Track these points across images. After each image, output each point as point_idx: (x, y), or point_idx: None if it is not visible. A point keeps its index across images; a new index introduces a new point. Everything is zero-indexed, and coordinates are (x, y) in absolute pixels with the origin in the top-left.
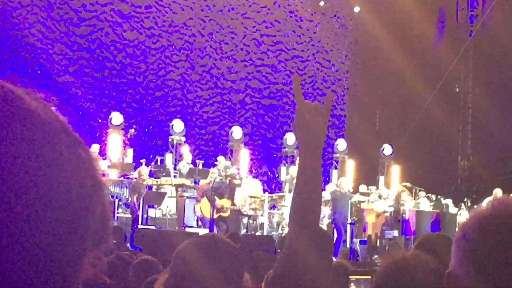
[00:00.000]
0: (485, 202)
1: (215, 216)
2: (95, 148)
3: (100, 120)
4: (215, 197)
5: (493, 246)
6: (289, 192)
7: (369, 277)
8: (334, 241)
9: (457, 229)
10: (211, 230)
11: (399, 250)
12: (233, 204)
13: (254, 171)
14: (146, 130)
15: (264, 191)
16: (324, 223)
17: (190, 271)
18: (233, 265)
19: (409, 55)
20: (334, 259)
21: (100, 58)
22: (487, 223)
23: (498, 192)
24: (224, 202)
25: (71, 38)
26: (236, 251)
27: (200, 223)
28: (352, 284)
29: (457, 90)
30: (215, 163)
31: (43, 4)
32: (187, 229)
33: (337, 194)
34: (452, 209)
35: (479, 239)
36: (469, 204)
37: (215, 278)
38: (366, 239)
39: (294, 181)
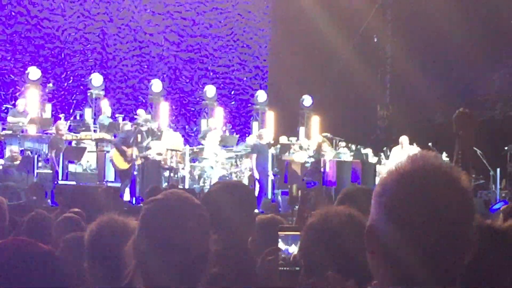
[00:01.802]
0: (394, 152)
1: (127, 166)
2: (21, 102)
3: (13, 77)
4: (123, 147)
5: (412, 201)
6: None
7: (298, 233)
8: (257, 194)
9: (377, 178)
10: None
11: (322, 201)
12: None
13: (173, 124)
14: (65, 84)
15: (185, 144)
16: (246, 176)
17: (158, 233)
18: (201, 224)
19: (328, 5)
20: (257, 211)
21: (13, 13)
22: (406, 178)
23: (404, 140)
24: (131, 151)
25: None
26: (202, 209)
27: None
28: (279, 240)
29: (376, 40)
30: (135, 116)
31: None
32: (109, 184)
33: (257, 146)
34: (372, 159)
35: (398, 195)
36: (389, 153)
37: (183, 239)
38: (287, 190)
39: (213, 132)
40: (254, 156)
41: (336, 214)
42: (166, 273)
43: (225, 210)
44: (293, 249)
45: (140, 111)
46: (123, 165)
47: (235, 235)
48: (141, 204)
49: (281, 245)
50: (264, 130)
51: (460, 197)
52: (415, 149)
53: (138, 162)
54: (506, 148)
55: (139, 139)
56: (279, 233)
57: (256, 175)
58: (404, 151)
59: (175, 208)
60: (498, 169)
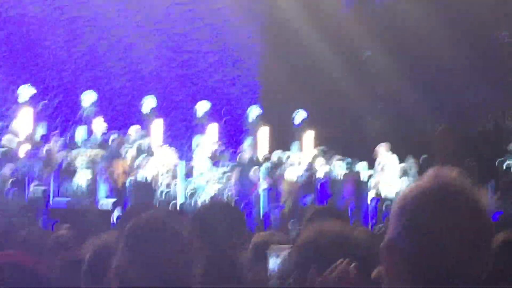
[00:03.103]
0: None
1: (121, 182)
2: (15, 123)
3: (5, 95)
4: (114, 163)
5: (433, 218)
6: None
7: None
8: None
9: (369, 192)
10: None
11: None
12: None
13: (167, 140)
14: (55, 103)
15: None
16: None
17: (140, 254)
18: (183, 246)
19: (319, 20)
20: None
21: (4, 32)
22: (427, 195)
23: (381, 148)
24: (124, 164)
25: None
26: (179, 231)
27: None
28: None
29: (367, 54)
30: (129, 134)
31: None
32: (101, 201)
33: (241, 162)
34: (367, 172)
35: (419, 211)
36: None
37: (167, 260)
38: (281, 205)
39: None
40: (238, 171)
41: (326, 231)
42: None
43: (214, 229)
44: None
45: (134, 128)
46: (117, 182)
47: (224, 253)
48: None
49: (274, 260)
50: (248, 145)
51: (479, 217)
52: (394, 157)
53: (125, 179)
54: (500, 159)
55: (126, 155)
56: (269, 250)
57: (237, 192)
58: (384, 159)
59: (156, 230)
60: (492, 181)
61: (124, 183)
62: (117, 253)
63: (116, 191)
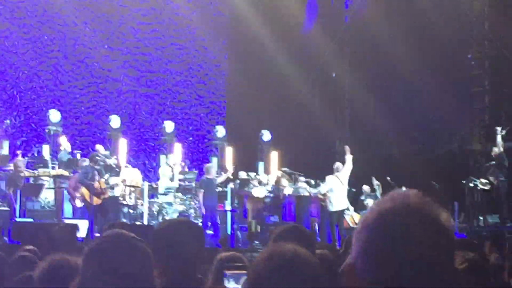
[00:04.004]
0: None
1: (99, 201)
2: None
3: None
4: (89, 182)
5: (392, 239)
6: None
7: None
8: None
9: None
10: (90, 217)
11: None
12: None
13: (132, 160)
14: (18, 121)
15: (143, 180)
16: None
17: (103, 271)
18: (143, 262)
19: (286, 41)
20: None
21: None
22: (386, 216)
23: (339, 166)
24: (100, 183)
25: None
26: (144, 245)
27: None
28: (227, 278)
29: (334, 75)
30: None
31: None
32: (66, 221)
33: (205, 181)
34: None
35: (378, 231)
36: (348, 187)
37: (129, 276)
38: (246, 225)
39: (166, 168)
40: (202, 191)
41: (281, 252)
42: None
43: (173, 246)
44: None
45: (99, 147)
46: (95, 200)
47: (183, 269)
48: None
49: (231, 283)
50: (210, 165)
51: (440, 234)
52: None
53: (100, 200)
54: (463, 181)
55: (100, 174)
56: (227, 271)
57: (203, 210)
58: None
59: (116, 247)
60: (456, 203)
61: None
62: (80, 271)
63: (84, 211)
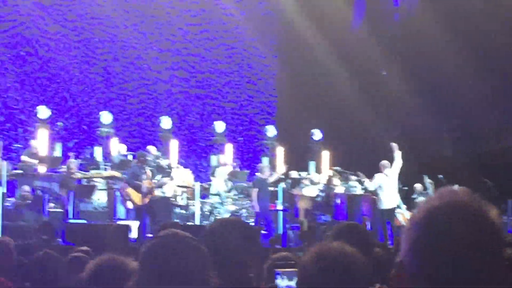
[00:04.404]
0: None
1: (146, 201)
2: (35, 144)
3: (23, 116)
4: (137, 182)
5: (439, 236)
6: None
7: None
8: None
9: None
10: (143, 218)
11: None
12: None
13: (183, 161)
14: (70, 123)
15: (195, 180)
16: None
17: (159, 272)
18: (199, 261)
19: (335, 40)
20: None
21: (23, 53)
22: (434, 213)
23: (385, 163)
24: (147, 183)
25: None
26: (200, 245)
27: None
28: (280, 276)
29: (384, 74)
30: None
31: None
32: (118, 222)
33: (259, 181)
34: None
35: (426, 229)
36: (399, 185)
37: (185, 276)
38: (298, 225)
39: (221, 169)
40: (256, 190)
41: (328, 251)
42: None
43: (226, 247)
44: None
45: (150, 148)
46: (141, 200)
47: (236, 270)
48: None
49: (284, 281)
50: (265, 164)
51: (488, 231)
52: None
53: (147, 200)
54: None
55: (150, 174)
56: (279, 269)
57: (257, 209)
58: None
59: (173, 247)
60: (510, 201)
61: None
62: (135, 272)
63: (142, 209)
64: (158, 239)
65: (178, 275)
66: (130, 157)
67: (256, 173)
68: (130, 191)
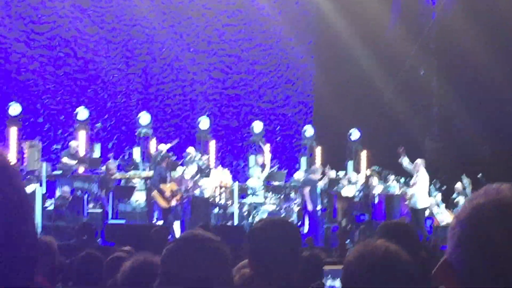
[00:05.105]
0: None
1: (174, 203)
2: (74, 144)
3: (62, 117)
4: (161, 187)
5: (485, 233)
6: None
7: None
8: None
9: (426, 210)
10: (163, 218)
11: (370, 236)
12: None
13: (220, 161)
14: (108, 124)
15: (233, 180)
16: (295, 211)
17: (180, 273)
18: (220, 261)
19: (372, 39)
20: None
21: (61, 54)
22: (479, 210)
23: (419, 161)
24: (172, 186)
25: (30, 35)
26: (221, 246)
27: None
28: (327, 274)
29: (422, 73)
30: (183, 155)
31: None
32: (158, 222)
33: (311, 180)
34: None
35: (472, 227)
36: (438, 185)
37: (205, 279)
38: (337, 224)
39: (260, 168)
40: (308, 188)
41: (372, 249)
42: None
43: (269, 247)
44: (339, 284)
45: (190, 149)
46: (164, 204)
47: (280, 272)
48: None
49: (328, 280)
50: (318, 167)
51: None
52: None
53: (173, 202)
54: None
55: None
56: (325, 267)
57: (310, 207)
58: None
59: (192, 249)
60: None
61: (181, 202)
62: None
63: (166, 212)
64: (178, 241)
65: (198, 277)
66: (155, 156)
67: (299, 173)
68: (155, 194)
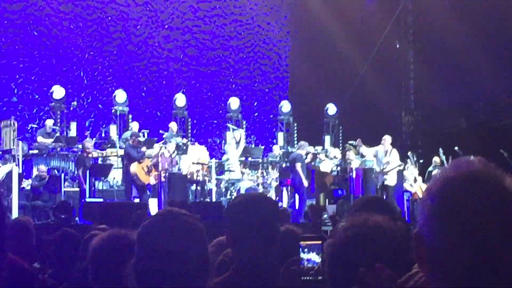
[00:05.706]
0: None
1: (153, 181)
2: (49, 123)
3: (37, 96)
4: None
5: (456, 206)
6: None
7: (320, 242)
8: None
9: (404, 183)
10: (139, 196)
11: (348, 211)
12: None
13: (196, 137)
14: (85, 102)
15: (210, 157)
16: (273, 187)
17: (156, 251)
18: (196, 237)
19: (347, 13)
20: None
21: (35, 33)
22: (450, 183)
23: (387, 138)
24: (146, 162)
25: (4, 14)
26: (196, 222)
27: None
28: (304, 249)
29: (397, 46)
30: (160, 131)
31: None
32: (136, 200)
33: (300, 157)
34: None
35: (442, 200)
36: (415, 158)
37: (182, 254)
38: (314, 199)
39: (235, 144)
40: (300, 164)
41: (361, 224)
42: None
43: (247, 223)
44: (316, 258)
45: (172, 125)
46: (145, 179)
47: (258, 247)
48: None
49: (303, 255)
50: (305, 143)
51: (505, 199)
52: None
53: (153, 180)
54: None
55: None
56: (302, 242)
57: (306, 183)
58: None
59: (169, 224)
60: None
61: (146, 184)
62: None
63: (143, 187)
64: (153, 218)
65: (174, 254)
66: (145, 135)
67: (298, 150)
68: (137, 170)
